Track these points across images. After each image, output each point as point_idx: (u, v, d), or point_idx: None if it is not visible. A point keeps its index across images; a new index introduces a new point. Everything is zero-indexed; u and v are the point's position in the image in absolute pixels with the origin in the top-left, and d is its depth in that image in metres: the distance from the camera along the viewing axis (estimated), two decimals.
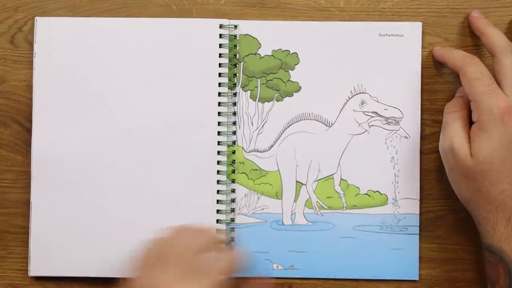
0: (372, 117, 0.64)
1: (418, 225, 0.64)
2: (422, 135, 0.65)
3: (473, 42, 0.65)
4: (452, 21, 0.65)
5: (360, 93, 0.64)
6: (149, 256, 0.54)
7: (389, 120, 0.64)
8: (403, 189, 0.64)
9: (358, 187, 0.64)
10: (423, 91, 0.64)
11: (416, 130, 0.64)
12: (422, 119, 0.64)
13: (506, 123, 0.56)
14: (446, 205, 0.65)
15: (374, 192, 0.64)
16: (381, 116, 0.64)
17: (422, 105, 0.64)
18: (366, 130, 0.64)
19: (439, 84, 0.65)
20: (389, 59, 0.64)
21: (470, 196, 0.59)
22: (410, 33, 0.64)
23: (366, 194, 0.64)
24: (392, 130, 0.64)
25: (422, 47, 0.64)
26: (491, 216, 0.57)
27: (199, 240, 0.55)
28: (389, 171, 0.64)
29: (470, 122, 0.59)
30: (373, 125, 0.64)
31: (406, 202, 0.64)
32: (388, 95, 0.64)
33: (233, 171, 0.65)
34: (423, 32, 0.64)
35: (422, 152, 0.65)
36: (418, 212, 0.64)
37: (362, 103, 0.64)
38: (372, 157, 0.64)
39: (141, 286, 0.52)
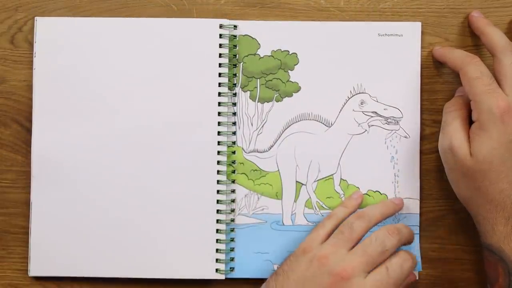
0: (372, 117, 0.64)
1: (418, 225, 0.64)
2: (422, 135, 0.65)
3: (473, 42, 0.65)
4: (452, 21, 0.65)
5: (360, 93, 0.64)
6: None
7: (389, 120, 0.64)
8: (403, 189, 0.64)
9: (358, 187, 0.64)
10: (423, 91, 0.64)
11: (416, 130, 0.64)
12: (422, 119, 0.64)
13: (506, 122, 0.56)
14: (446, 205, 0.65)
15: (374, 192, 0.64)
16: (380, 116, 0.64)
17: (422, 105, 0.64)
18: (366, 130, 0.64)
19: (439, 84, 0.65)
20: (388, 59, 0.64)
21: (470, 196, 0.59)
22: (410, 33, 0.64)
23: (366, 194, 0.64)
24: (392, 130, 0.64)
25: (422, 47, 0.64)
26: (490, 216, 0.57)
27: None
28: (389, 171, 0.64)
29: (469, 122, 0.59)
30: (372, 125, 0.64)
31: (406, 202, 0.64)
32: (388, 95, 0.64)
33: (233, 172, 0.65)
34: (423, 32, 0.64)
35: (422, 152, 0.65)
36: (418, 212, 0.64)
37: (361, 103, 0.64)
38: (372, 157, 0.64)
39: None
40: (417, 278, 0.64)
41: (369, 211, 0.61)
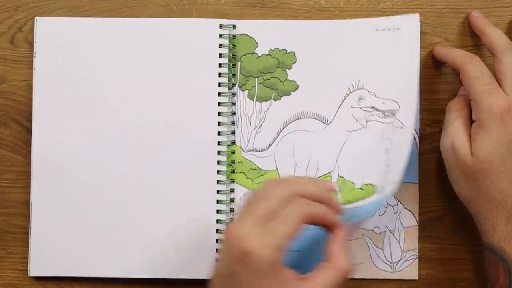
0: (370, 111, 0.64)
1: (418, 225, 0.64)
2: (422, 135, 0.64)
3: (473, 42, 0.65)
4: (452, 21, 0.65)
5: (358, 89, 0.64)
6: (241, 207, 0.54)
7: (386, 114, 0.64)
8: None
9: (353, 183, 0.64)
10: (422, 91, 0.64)
11: (413, 120, 0.63)
12: (422, 119, 0.64)
13: (506, 122, 0.56)
14: (445, 205, 0.65)
15: (367, 185, 0.64)
16: (378, 110, 0.64)
17: (421, 105, 0.64)
18: (364, 125, 0.64)
19: (439, 84, 0.65)
20: (387, 54, 0.64)
21: (470, 195, 0.59)
22: (408, 26, 0.64)
23: (360, 188, 0.64)
24: (390, 123, 0.64)
25: (422, 47, 0.64)
26: (491, 215, 0.57)
27: (285, 190, 0.52)
28: (383, 165, 0.64)
29: (472, 121, 0.59)
30: (371, 120, 0.64)
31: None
32: (387, 90, 0.64)
33: (233, 171, 0.65)
34: (423, 32, 0.64)
35: (422, 152, 0.64)
36: (417, 213, 0.64)
37: (360, 99, 0.64)
38: (369, 152, 0.64)
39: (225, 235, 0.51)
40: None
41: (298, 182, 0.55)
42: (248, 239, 0.49)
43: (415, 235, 0.64)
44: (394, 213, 0.64)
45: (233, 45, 0.65)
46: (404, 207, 0.64)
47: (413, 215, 0.64)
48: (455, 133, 0.59)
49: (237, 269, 0.49)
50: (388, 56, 0.64)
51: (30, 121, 0.64)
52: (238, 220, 0.51)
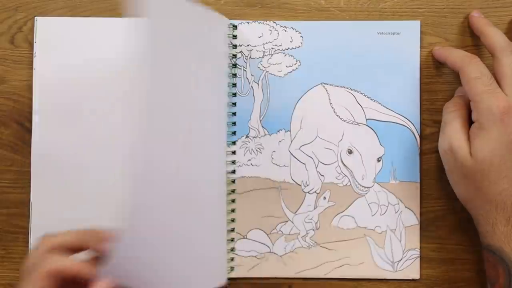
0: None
1: (418, 224, 0.64)
2: (422, 135, 0.64)
3: (473, 42, 0.65)
4: (452, 21, 0.65)
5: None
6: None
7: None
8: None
9: None
10: (423, 91, 0.64)
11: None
12: (422, 119, 0.64)
13: (506, 122, 0.56)
14: (446, 205, 0.65)
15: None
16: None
17: (422, 105, 0.64)
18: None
19: (439, 84, 0.65)
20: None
21: (470, 196, 0.59)
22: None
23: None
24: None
25: (422, 47, 0.64)
26: (490, 216, 0.57)
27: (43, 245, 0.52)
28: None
29: (469, 122, 0.59)
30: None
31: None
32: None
33: (233, 172, 0.65)
34: (423, 32, 0.64)
35: (422, 152, 0.64)
36: (418, 212, 0.64)
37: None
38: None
39: None
40: None
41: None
42: None
43: (416, 234, 0.64)
44: (395, 212, 0.64)
45: (234, 46, 0.65)
46: (405, 206, 0.64)
47: (414, 214, 0.64)
48: (452, 134, 0.59)
49: None
50: (389, 60, 0.64)
51: (30, 121, 0.64)
52: None
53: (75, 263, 0.52)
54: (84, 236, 0.54)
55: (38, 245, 0.53)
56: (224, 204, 0.63)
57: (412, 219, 0.64)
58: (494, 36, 0.60)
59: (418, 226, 0.64)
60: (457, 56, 0.60)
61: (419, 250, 0.64)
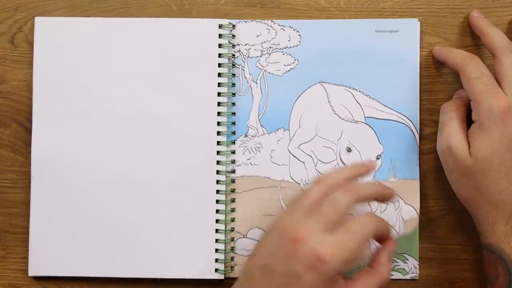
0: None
1: (418, 225, 0.64)
2: (422, 135, 0.64)
3: (473, 42, 0.65)
4: (452, 21, 0.65)
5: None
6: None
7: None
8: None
9: None
10: (422, 91, 0.64)
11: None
12: (421, 119, 0.64)
13: (506, 122, 0.56)
14: (446, 205, 0.64)
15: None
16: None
17: (422, 105, 0.64)
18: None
19: (439, 84, 0.65)
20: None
21: (470, 196, 0.59)
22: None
23: None
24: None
25: (422, 47, 0.64)
26: (490, 215, 0.57)
27: (351, 198, 0.54)
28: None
29: (467, 122, 0.59)
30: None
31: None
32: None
33: (233, 171, 0.65)
34: (422, 32, 0.64)
35: (421, 152, 0.64)
36: (418, 212, 0.64)
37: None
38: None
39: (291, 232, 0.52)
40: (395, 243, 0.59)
41: (360, 188, 0.56)
42: (322, 246, 0.51)
43: (415, 226, 0.64)
44: (395, 210, 0.64)
45: (233, 45, 0.65)
46: (405, 203, 0.64)
47: (414, 209, 0.64)
48: (451, 134, 0.59)
49: (300, 270, 0.50)
50: (387, 59, 0.64)
51: (30, 121, 0.64)
52: (301, 218, 0.53)
53: (389, 225, 0.58)
54: (381, 197, 0.58)
55: (348, 198, 0.54)
56: (213, 198, 0.64)
57: (411, 213, 0.64)
58: (494, 36, 0.60)
59: (417, 219, 0.64)
60: (457, 56, 0.60)
61: (418, 251, 0.64)
